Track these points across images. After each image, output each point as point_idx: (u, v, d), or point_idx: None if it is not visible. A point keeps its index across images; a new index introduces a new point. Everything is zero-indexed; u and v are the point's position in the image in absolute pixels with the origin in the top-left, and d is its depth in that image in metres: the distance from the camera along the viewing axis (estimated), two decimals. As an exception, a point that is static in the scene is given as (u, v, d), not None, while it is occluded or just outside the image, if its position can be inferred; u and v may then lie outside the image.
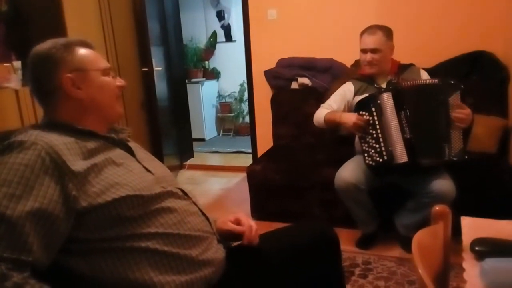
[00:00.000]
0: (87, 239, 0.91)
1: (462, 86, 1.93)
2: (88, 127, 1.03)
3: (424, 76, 2.24)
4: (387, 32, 2.15)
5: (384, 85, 2.18)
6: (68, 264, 0.92)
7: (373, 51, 2.13)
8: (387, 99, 1.99)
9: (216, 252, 1.07)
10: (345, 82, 2.35)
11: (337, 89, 2.36)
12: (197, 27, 5.61)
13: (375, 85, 2.20)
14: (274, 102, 3.16)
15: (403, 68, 2.26)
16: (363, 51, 2.17)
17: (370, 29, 2.15)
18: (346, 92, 2.29)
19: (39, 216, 0.84)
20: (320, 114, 2.27)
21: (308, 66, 3.03)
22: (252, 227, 1.16)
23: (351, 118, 2.08)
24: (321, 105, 2.36)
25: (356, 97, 2.23)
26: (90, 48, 1.08)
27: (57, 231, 0.87)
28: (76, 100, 1.03)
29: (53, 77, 1.01)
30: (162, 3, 3.75)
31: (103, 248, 0.92)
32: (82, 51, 1.05)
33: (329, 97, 2.38)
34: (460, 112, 1.90)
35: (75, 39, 1.07)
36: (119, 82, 1.12)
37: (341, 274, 1.31)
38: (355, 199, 2.14)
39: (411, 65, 2.30)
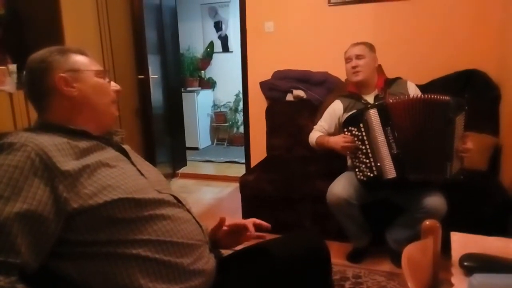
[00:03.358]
0: (77, 242, 0.90)
1: (466, 107, 1.92)
2: (81, 127, 1.03)
3: (411, 88, 2.27)
4: (370, 46, 2.26)
5: (371, 100, 2.21)
6: (58, 269, 0.91)
7: (358, 57, 2.21)
8: (373, 115, 2.00)
9: (207, 262, 1.07)
10: (339, 96, 2.37)
11: (331, 103, 2.39)
12: (194, 36, 5.65)
13: (363, 101, 2.23)
14: (269, 113, 3.17)
15: (390, 82, 2.29)
16: (348, 59, 2.25)
17: (353, 43, 2.28)
18: (335, 110, 2.33)
19: (28, 217, 0.84)
20: (313, 137, 2.35)
21: (303, 78, 3.06)
22: (255, 221, 1.24)
23: (338, 142, 2.12)
24: (314, 127, 2.40)
25: (345, 114, 2.26)
26: (85, 56, 1.09)
27: (46, 233, 0.86)
28: (69, 99, 1.03)
29: (47, 78, 1.01)
30: (160, 13, 3.78)
31: (93, 252, 0.91)
32: (76, 56, 1.07)
33: (322, 112, 2.41)
34: (465, 149, 1.92)
35: (72, 47, 1.09)
36: (115, 86, 1.13)
37: (331, 287, 1.31)
38: (347, 214, 2.14)
39: (397, 78, 2.33)
